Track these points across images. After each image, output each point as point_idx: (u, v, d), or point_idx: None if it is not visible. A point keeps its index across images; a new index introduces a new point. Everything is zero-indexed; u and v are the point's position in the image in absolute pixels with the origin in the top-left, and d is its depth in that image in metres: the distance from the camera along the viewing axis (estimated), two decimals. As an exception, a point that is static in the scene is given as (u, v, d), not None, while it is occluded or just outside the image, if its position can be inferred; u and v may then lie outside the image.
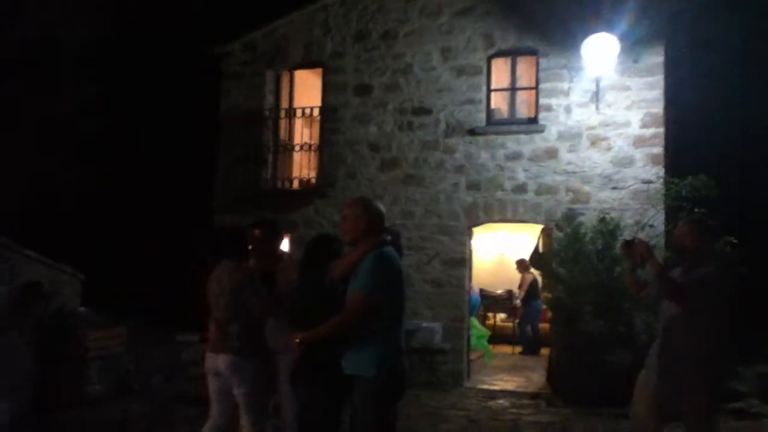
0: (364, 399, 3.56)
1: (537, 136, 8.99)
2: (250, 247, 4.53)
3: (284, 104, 10.52)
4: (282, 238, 4.91)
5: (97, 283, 9.61)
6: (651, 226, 8.33)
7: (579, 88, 8.86)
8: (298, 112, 10.32)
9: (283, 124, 10.48)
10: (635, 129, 8.64)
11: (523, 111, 9.45)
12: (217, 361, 4.34)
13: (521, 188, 9.02)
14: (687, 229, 4.27)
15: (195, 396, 6.68)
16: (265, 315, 4.31)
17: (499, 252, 12.94)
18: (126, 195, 16.32)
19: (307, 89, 10.61)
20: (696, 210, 8.06)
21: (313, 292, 3.80)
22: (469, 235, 9.39)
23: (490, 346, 10.68)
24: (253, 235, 4.53)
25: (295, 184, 10.34)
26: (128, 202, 16.23)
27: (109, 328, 7.89)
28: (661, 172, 8.52)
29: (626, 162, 8.65)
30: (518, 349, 11.49)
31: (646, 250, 4.25)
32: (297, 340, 3.66)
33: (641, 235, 8.17)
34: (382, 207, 3.92)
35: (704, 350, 4.01)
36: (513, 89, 9.51)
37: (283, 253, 5.04)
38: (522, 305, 11.61)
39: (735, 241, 8.02)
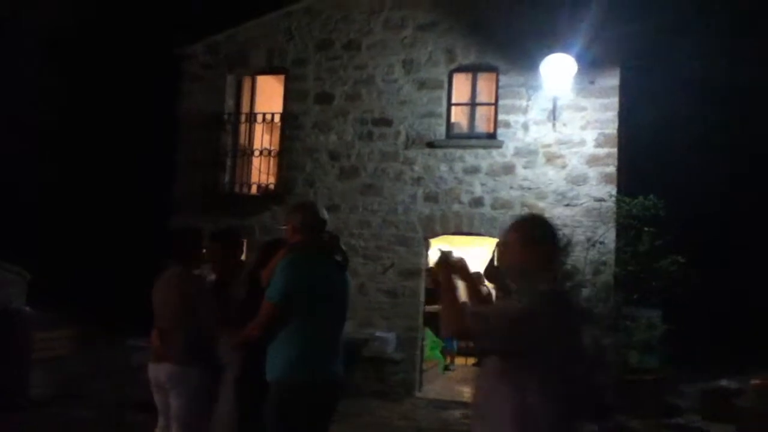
0: (268, 404, 3.47)
1: (495, 151, 9.14)
2: (206, 256, 4.35)
3: (245, 109, 10.47)
4: (242, 248, 4.76)
5: (46, 282, 9.39)
6: (602, 243, 8.54)
7: (537, 106, 9.04)
8: (259, 118, 10.28)
9: (243, 128, 10.43)
10: (590, 148, 8.86)
11: (482, 126, 9.60)
12: (158, 372, 4.12)
13: (478, 202, 9.15)
14: (510, 237, 2.72)
15: (144, 402, 6.56)
16: (211, 327, 4.07)
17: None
18: (81, 194, 16.00)
19: (268, 95, 10.58)
20: (645, 229, 8.33)
21: (257, 300, 3.68)
22: (426, 246, 9.47)
23: (444, 357, 10.78)
24: (213, 249, 4.32)
25: (254, 190, 10.29)
26: (83, 201, 15.91)
27: (55, 329, 7.72)
28: (614, 190, 8.74)
29: (580, 180, 8.85)
30: (472, 360, 11.59)
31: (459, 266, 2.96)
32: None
33: (593, 252, 8.42)
34: (323, 213, 3.79)
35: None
36: (473, 104, 9.66)
37: (243, 262, 4.89)
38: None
39: (682, 260, 8.30)
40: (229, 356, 4.03)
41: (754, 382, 7.58)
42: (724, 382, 8.21)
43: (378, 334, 8.97)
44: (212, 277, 4.38)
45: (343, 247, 3.88)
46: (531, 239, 2.63)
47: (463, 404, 8.52)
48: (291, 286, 3.45)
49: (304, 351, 3.47)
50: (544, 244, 2.63)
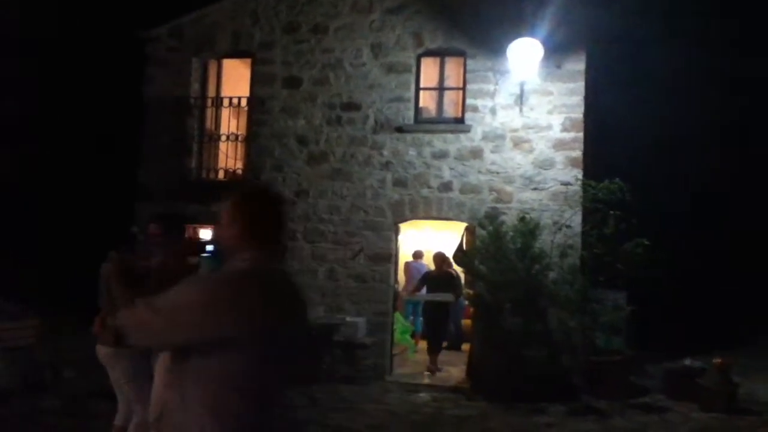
0: None
1: (463, 136, 9.16)
2: (150, 240, 4.36)
3: (211, 93, 10.31)
4: (183, 230, 4.65)
5: (8, 272, 9.19)
6: (568, 226, 8.64)
7: (504, 91, 9.07)
8: (225, 102, 10.15)
9: (209, 113, 10.28)
10: (556, 132, 8.93)
11: (451, 111, 9.60)
12: (98, 353, 4.45)
13: (447, 186, 9.17)
14: (223, 210, 2.45)
15: (109, 391, 6.49)
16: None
17: (425, 249, 13.08)
18: (45, 183, 15.65)
19: (235, 79, 10.44)
20: (611, 212, 8.44)
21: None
22: (396, 231, 9.48)
23: (413, 341, 10.83)
24: (149, 231, 4.32)
25: (221, 175, 10.17)
26: (47, 188, 15.57)
27: (19, 319, 7.56)
28: (580, 174, 8.83)
29: (547, 164, 8.92)
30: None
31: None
32: None
33: (559, 236, 8.52)
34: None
35: None
36: (441, 89, 9.65)
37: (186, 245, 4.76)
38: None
39: (647, 243, 8.43)
40: None
41: (716, 361, 7.77)
42: (687, 362, 8.39)
43: (348, 319, 8.97)
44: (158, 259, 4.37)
45: None
46: (240, 214, 2.37)
47: (432, 387, 8.60)
48: None
49: None
50: (253, 219, 2.35)
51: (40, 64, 15.79)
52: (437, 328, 9.77)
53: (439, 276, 9.77)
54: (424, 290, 9.99)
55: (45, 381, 7.54)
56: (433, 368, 9.43)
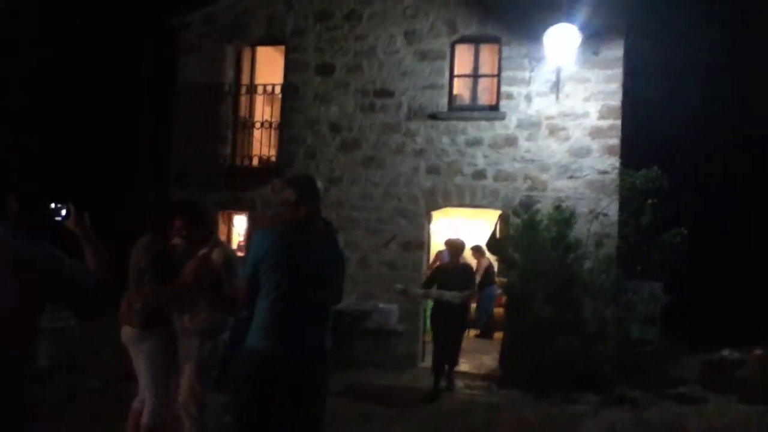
0: (234, 374, 3.50)
1: (497, 123, 9.07)
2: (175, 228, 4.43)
3: (245, 80, 10.37)
4: (208, 222, 4.63)
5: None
6: (605, 215, 8.53)
7: (540, 78, 8.96)
8: (259, 89, 10.19)
9: (243, 100, 10.34)
10: (593, 120, 8.80)
11: (485, 98, 9.52)
12: (123, 335, 4.44)
13: (480, 174, 9.11)
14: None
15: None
16: (153, 293, 4.29)
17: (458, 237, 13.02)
18: (81, 171, 15.89)
19: (268, 66, 10.47)
20: (648, 201, 8.31)
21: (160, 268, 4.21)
22: (428, 219, 9.46)
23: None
24: (175, 226, 4.39)
25: (255, 162, 10.24)
26: (83, 176, 15.82)
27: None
28: (617, 163, 8.70)
29: (583, 152, 8.80)
30: (474, 332, 11.64)
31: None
32: None
33: (595, 225, 8.41)
34: (312, 186, 3.64)
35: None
36: (475, 76, 9.57)
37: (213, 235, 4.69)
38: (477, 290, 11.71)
39: (685, 232, 8.29)
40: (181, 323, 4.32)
41: (756, 353, 7.62)
42: (725, 353, 8.25)
43: (381, 306, 8.99)
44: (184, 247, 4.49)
45: (330, 222, 3.79)
46: None
47: (464, 375, 8.58)
48: (254, 257, 3.38)
49: (272, 321, 3.34)
50: None
51: (71, 54, 15.97)
52: (445, 338, 7.69)
53: (454, 269, 7.83)
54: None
55: (84, 362, 7.69)
56: (434, 392, 7.46)
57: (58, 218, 2.95)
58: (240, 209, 10.10)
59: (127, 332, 4.40)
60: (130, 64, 15.56)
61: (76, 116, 15.89)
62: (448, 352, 7.70)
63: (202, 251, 4.25)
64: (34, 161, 14.13)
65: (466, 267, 8.00)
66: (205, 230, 4.49)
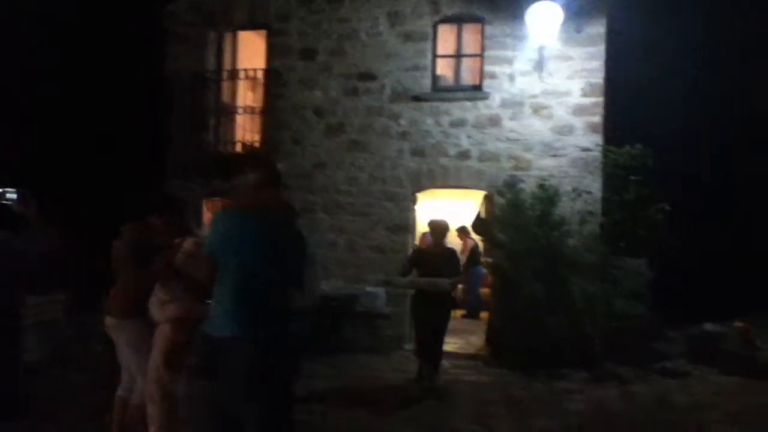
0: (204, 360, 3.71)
1: (481, 103, 9.08)
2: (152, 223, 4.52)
3: (228, 66, 10.29)
4: (183, 215, 4.74)
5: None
6: (588, 192, 8.57)
7: (523, 57, 8.95)
8: (242, 74, 10.12)
9: (226, 86, 10.26)
10: (576, 98, 8.81)
11: (468, 78, 9.50)
12: (107, 325, 4.56)
13: (465, 155, 9.12)
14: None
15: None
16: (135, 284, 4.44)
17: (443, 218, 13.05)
18: (69, 162, 15.77)
19: (251, 51, 10.39)
20: (632, 178, 8.35)
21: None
22: (414, 201, 9.48)
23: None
24: (154, 226, 4.46)
25: (238, 148, 10.18)
26: (71, 169, 15.70)
27: (47, 293, 7.70)
28: (600, 140, 8.74)
29: (566, 130, 8.83)
30: (460, 312, 11.72)
31: None
32: None
33: (579, 202, 8.46)
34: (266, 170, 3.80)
35: None
36: (458, 56, 9.54)
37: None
38: (463, 270, 11.75)
39: (667, 208, 8.35)
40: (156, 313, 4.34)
41: (737, 325, 7.73)
42: (708, 327, 8.35)
43: (368, 289, 9.03)
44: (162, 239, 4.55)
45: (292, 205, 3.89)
46: None
47: (451, 355, 8.63)
48: (213, 240, 3.47)
49: (230, 305, 3.38)
50: None
51: (57, 44, 15.78)
52: (426, 333, 6.89)
53: (435, 253, 7.04)
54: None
55: (75, 355, 7.69)
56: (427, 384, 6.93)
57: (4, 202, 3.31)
58: (224, 196, 10.05)
59: (109, 322, 4.53)
60: (121, 57, 15.40)
61: (70, 113, 15.75)
62: (430, 348, 6.94)
63: (176, 240, 4.29)
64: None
65: (451, 252, 7.21)
66: (184, 222, 4.59)
